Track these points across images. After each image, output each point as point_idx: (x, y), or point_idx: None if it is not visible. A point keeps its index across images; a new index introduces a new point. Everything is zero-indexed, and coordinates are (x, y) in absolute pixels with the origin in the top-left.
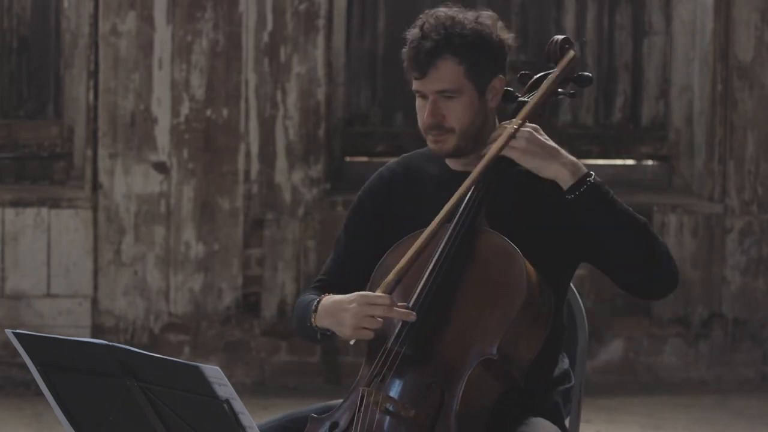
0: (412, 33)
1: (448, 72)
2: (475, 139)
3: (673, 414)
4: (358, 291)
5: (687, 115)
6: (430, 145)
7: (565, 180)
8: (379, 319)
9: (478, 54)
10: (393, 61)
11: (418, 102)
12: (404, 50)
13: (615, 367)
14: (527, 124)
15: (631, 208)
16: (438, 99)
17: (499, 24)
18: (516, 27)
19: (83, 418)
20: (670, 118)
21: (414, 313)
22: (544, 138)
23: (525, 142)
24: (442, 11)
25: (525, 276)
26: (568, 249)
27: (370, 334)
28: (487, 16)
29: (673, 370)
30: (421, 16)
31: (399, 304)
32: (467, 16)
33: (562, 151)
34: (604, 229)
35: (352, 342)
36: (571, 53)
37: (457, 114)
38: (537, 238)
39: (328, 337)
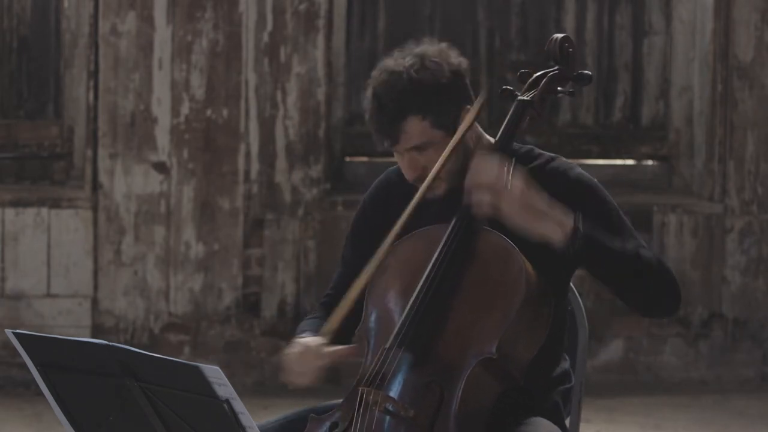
0: (367, 104)
1: (415, 130)
2: (463, 171)
3: (673, 414)
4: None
5: (687, 115)
6: None
7: (557, 239)
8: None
9: (436, 101)
10: None
11: (396, 156)
12: (366, 119)
13: (615, 367)
14: (517, 176)
15: (626, 249)
16: (412, 154)
17: (447, 54)
18: (516, 27)
19: (83, 418)
20: (670, 118)
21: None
22: (534, 194)
23: (516, 203)
24: (388, 66)
25: (524, 275)
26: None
27: (302, 382)
28: (432, 52)
29: (673, 370)
30: (369, 79)
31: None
32: (412, 63)
33: (549, 209)
34: (602, 273)
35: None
36: (480, 101)
37: (435, 163)
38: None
39: None
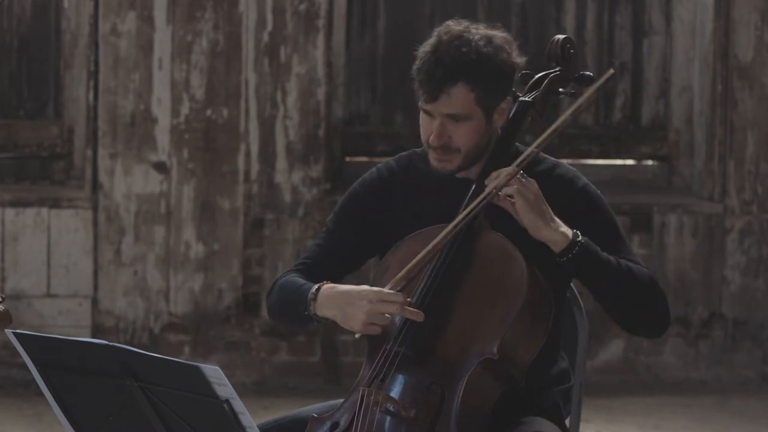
0: (425, 53)
1: (459, 98)
2: (477, 157)
3: (673, 414)
4: (338, 279)
5: (687, 115)
6: (433, 162)
7: (558, 244)
8: (388, 316)
9: (490, 80)
10: (393, 61)
11: (424, 118)
12: (415, 68)
13: (615, 367)
14: (532, 180)
15: (620, 263)
16: (446, 121)
17: (513, 46)
18: (516, 27)
19: (83, 418)
20: (670, 118)
21: (422, 313)
22: (543, 199)
23: (533, 196)
24: (456, 30)
25: (526, 276)
26: None
27: (378, 330)
28: (500, 38)
29: (673, 370)
30: (434, 32)
31: (410, 302)
32: (481, 36)
33: (555, 218)
34: (594, 285)
35: (357, 335)
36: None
37: (463, 136)
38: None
39: (319, 322)
